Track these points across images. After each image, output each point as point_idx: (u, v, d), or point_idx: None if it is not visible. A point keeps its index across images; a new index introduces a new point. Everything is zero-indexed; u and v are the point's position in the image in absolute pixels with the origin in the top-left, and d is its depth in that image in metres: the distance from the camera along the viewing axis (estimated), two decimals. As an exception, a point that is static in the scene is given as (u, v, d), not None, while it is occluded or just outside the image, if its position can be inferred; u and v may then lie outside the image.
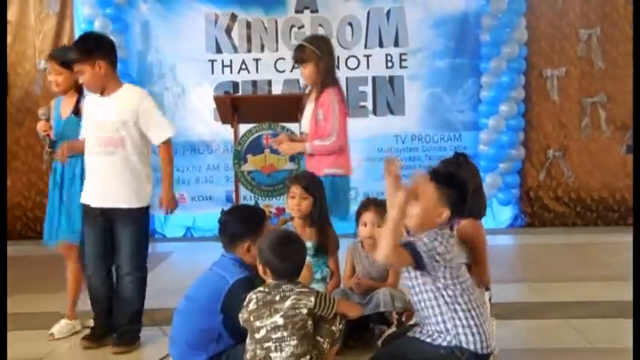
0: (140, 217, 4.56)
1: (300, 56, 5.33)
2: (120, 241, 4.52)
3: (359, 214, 4.61)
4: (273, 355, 3.24)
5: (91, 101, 4.65)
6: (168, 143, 4.62)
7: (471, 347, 3.52)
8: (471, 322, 3.53)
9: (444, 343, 3.54)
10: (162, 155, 4.65)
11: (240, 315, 3.38)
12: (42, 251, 8.46)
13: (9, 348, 4.39)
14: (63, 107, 4.92)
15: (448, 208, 3.59)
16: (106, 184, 4.51)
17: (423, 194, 3.60)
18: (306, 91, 5.57)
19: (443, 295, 3.53)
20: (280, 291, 3.32)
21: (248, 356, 3.32)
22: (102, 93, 4.55)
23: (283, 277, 3.37)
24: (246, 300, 3.38)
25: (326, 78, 5.29)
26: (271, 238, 3.45)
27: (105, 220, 4.53)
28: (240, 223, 3.82)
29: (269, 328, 3.26)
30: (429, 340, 3.60)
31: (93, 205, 4.53)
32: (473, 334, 3.53)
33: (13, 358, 4.25)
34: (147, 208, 4.60)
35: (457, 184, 3.66)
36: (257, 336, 3.29)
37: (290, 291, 3.31)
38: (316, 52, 5.28)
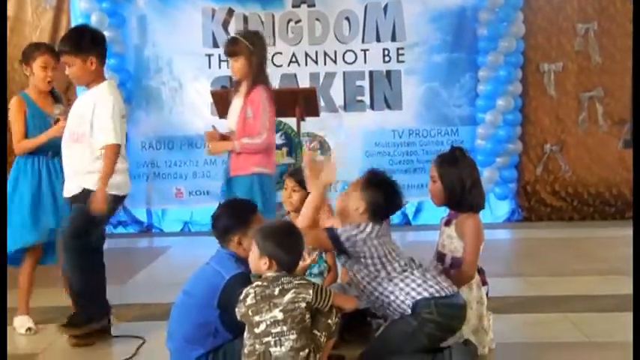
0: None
1: (232, 49, 5.20)
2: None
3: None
4: (272, 349, 3.23)
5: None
6: (109, 148, 4.48)
7: (426, 294, 3.65)
8: (415, 279, 3.70)
9: (407, 312, 3.65)
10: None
11: (237, 309, 3.36)
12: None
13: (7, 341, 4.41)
14: None
15: (366, 204, 3.79)
16: (69, 176, 4.58)
17: (352, 190, 3.87)
18: (232, 88, 5.48)
19: (377, 271, 3.74)
20: (279, 284, 3.31)
21: (246, 351, 3.31)
22: (87, 86, 4.59)
23: (287, 269, 3.38)
24: (243, 294, 3.35)
25: (257, 74, 5.17)
26: (275, 231, 3.44)
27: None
28: (228, 217, 3.80)
29: (268, 322, 3.25)
30: (397, 315, 3.73)
31: (65, 195, 4.61)
32: (424, 286, 3.67)
33: (11, 352, 4.23)
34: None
35: (381, 186, 3.85)
36: (256, 330, 3.28)
37: (289, 283, 3.30)
38: (249, 47, 5.18)
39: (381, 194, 3.80)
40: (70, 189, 4.54)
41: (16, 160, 4.89)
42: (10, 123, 4.89)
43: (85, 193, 4.44)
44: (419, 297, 3.63)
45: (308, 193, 4.61)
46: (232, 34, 5.92)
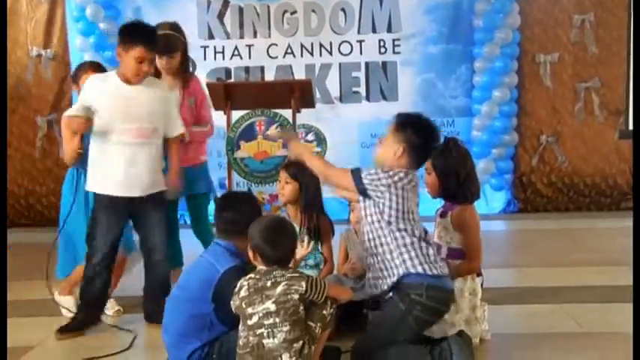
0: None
1: (169, 46, 5.13)
2: (152, 227, 4.62)
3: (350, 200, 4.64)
4: (265, 341, 3.24)
5: (112, 88, 4.51)
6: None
7: (419, 270, 3.61)
8: (412, 242, 3.65)
9: (394, 279, 3.63)
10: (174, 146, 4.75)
11: (231, 302, 3.38)
12: (35, 239, 8.50)
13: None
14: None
15: (403, 145, 3.71)
16: (141, 173, 4.51)
17: (386, 135, 3.83)
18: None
19: (389, 223, 3.66)
20: (271, 277, 3.33)
21: (241, 342, 3.32)
22: (129, 82, 4.52)
23: (273, 264, 3.38)
24: (238, 286, 3.38)
25: (188, 66, 5.36)
26: (262, 225, 3.45)
27: (127, 209, 4.56)
28: (238, 212, 3.80)
29: (261, 314, 3.26)
30: (380, 283, 3.71)
31: (117, 194, 4.50)
32: (420, 262, 3.63)
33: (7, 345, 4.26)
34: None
35: (415, 126, 3.78)
36: (249, 322, 3.29)
37: (281, 277, 3.31)
38: (182, 40, 5.25)
39: (418, 131, 3.74)
40: (144, 187, 4.53)
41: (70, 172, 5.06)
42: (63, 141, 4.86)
43: (162, 193, 4.59)
44: (412, 270, 3.60)
45: (302, 185, 4.64)
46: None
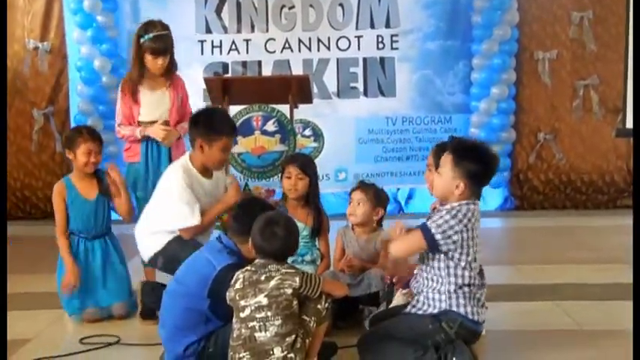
0: None
1: (167, 46, 5.17)
2: None
3: (350, 194, 4.65)
4: (257, 334, 3.25)
5: (199, 187, 4.51)
6: None
7: (461, 310, 3.58)
8: (463, 284, 3.59)
9: (435, 311, 3.57)
10: None
11: (227, 294, 3.39)
12: (31, 232, 8.51)
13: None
14: None
15: (464, 180, 3.59)
16: None
17: (442, 167, 3.67)
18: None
19: (448, 267, 3.60)
20: (266, 271, 3.33)
21: (234, 335, 3.33)
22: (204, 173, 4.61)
23: (268, 257, 3.38)
24: (234, 279, 3.39)
25: (176, 64, 5.37)
26: (261, 218, 3.45)
27: None
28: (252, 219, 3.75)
29: (253, 307, 3.27)
30: (420, 312, 3.63)
31: None
32: (465, 304, 3.59)
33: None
34: None
35: (473, 156, 3.64)
36: (242, 315, 3.30)
37: (276, 271, 3.32)
38: (172, 39, 5.26)
39: (477, 162, 3.61)
40: None
41: None
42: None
43: None
44: (455, 309, 3.58)
45: (311, 179, 4.64)
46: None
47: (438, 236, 3.54)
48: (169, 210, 4.36)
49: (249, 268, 3.39)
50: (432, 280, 3.65)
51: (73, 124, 9.12)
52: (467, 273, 3.59)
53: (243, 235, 3.59)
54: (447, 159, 3.66)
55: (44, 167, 9.29)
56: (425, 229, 3.57)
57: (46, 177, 9.26)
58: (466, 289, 3.59)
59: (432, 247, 3.57)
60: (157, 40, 4.94)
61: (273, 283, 3.28)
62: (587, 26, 9.17)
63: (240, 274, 3.38)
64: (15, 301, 5.20)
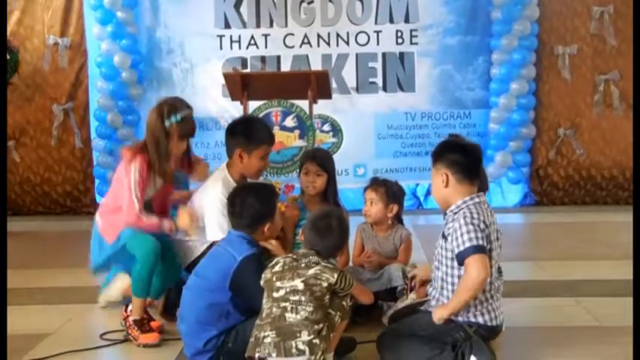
0: None
1: (195, 127, 4.61)
2: None
3: (363, 192, 4.65)
4: (288, 315, 3.28)
5: None
6: None
7: (480, 320, 3.56)
8: (482, 297, 3.57)
9: (453, 317, 3.56)
10: None
11: (263, 274, 3.45)
12: (51, 227, 8.55)
13: (19, 321, 4.44)
14: None
15: (447, 170, 3.62)
16: None
17: (432, 174, 3.71)
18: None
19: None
20: (307, 260, 3.41)
21: (264, 314, 3.36)
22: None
23: (324, 254, 3.48)
24: (274, 262, 3.47)
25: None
26: (316, 212, 3.71)
27: None
28: (261, 204, 3.79)
29: (288, 290, 3.32)
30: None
31: None
32: (482, 313, 3.56)
33: (24, 332, 4.29)
34: None
35: (449, 147, 3.69)
36: (275, 295, 3.35)
37: (316, 263, 3.39)
38: None
39: (453, 151, 3.65)
40: None
41: None
42: None
43: None
44: (473, 320, 3.56)
45: (330, 176, 4.64)
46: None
47: (480, 242, 3.45)
48: (209, 222, 4.35)
49: (291, 255, 3.49)
50: (452, 285, 3.62)
51: (92, 120, 9.18)
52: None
53: (246, 227, 3.72)
54: (432, 165, 3.71)
55: (64, 162, 9.35)
56: (469, 251, 3.45)
57: (65, 172, 9.33)
58: (484, 299, 3.57)
59: (485, 251, 3.48)
60: (186, 122, 4.40)
61: (311, 271, 3.34)
62: (608, 21, 9.13)
63: (280, 259, 3.46)
64: (35, 295, 5.25)
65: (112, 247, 4.32)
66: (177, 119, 4.28)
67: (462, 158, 3.64)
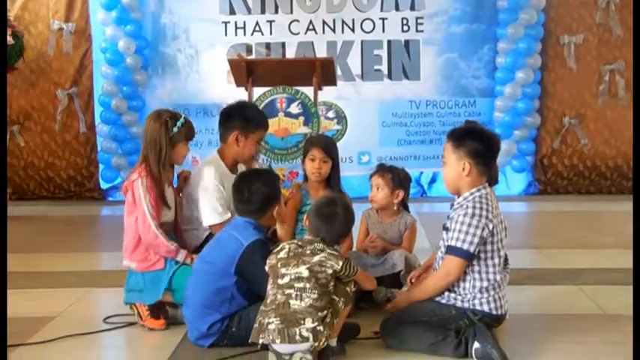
0: None
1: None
2: None
3: (370, 178, 4.64)
4: (292, 302, 3.29)
5: (226, 179, 4.36)
6: None
7: (485, 309, 3.57)
8: (489, 285, 3.59)
9: (458, 304, 3.56)
10: None
11: (268, 260, 3.45)
12: (55, 211, 8.57)
13: (23, 305, 4.45)
14: None
15: (468, 159, 3.60)
16: None
17: (446, 156, 3.69)
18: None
19: (480, 259, 3.59)
20: (312, 247, 3.42)
21: (268, 301, 3.37)
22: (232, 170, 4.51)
23: (328, 240, 3.48)
24: (279, 247, 3.47)
25: None
26: (321, 198, 3.72)
27: None
28: (269, 188, 3.81)
29: (293, 277, 3.33)
30: (443, 301, 3.62)
31: None
32: (488, 302, 3.57)
33: (27, 315, 4.30)
34: None
35: (471, 135, 3.67)
36: (280, 282, 3.36)
37: (321, 250, 3.41)
38: None
39: (476, 139, 3.63)
40: None
41: None
42: None
43: None
44: (478, 307, 3.58)
45: (334, 162, 4.64)
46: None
47: (472, 248, 3.51)
48: (204, 207, 4.32)
49: (295, 241, 3.51)
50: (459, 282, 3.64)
51: (97, 105, 9.18)
52: (491, 269, 3.59)
53: (251, 213, 3.76)
54: (447, 147, 3.67)
55: (68, 147, 9.35)
56: (458, 252, 3.53)
57: (69, 157, 9.34)
58: (490, 287, 3.59)
59: (469, 259, 3.55)
60: (188, 124, 4.34)
61: (316, 258, 3.36)
62: (614, 10, 9.10)
63: (286, 245, 3.47)
64: (39, 279, 5.27)
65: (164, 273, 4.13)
66: (182, 123, 4.24)
67: (485, 150, 3.65)
